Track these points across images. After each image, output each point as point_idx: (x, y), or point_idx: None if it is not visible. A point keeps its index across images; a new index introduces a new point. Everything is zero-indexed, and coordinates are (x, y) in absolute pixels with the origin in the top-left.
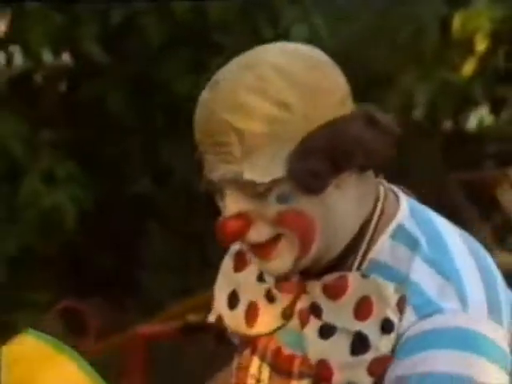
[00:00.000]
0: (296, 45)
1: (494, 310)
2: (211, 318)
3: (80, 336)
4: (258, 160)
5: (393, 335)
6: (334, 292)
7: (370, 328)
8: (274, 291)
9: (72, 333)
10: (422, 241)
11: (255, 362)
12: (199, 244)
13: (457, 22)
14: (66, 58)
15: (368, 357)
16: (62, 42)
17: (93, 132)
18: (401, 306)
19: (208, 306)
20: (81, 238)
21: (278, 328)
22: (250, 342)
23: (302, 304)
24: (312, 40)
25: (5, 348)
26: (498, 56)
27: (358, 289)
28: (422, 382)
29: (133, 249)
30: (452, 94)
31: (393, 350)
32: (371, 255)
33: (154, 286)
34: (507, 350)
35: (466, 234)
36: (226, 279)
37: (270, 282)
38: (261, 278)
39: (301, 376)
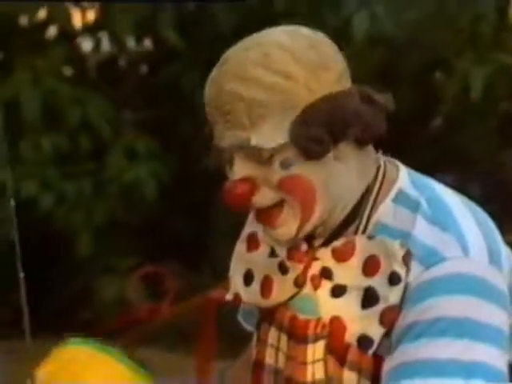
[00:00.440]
0: (298, 27)
1: (493, 257)
2: (228, 297)
3: (159, 298)
4: (264, 127)
5: (400, 286)
6: (343, 255)
7: (378, 282)
8: (287, 263)
9: (152, 295)
10: (422, 202)
11: (273, 332)
12: None
13: None
14: (147, 43)
15: (378, 308)
16: (143, 30)
17: (170, 111)
18: (406, 259)
19: None
20: (160, 209)
21: (292, 296)
22: (268, 315)
23: (313, 270)
24: (373, 27)
25: (53, 356)
26: None
27: (365, 249)
28: (430, 327)
29: (207, 217)
30: (508, 76)
31: (401, 301)
32: (375, 218)
33: (226, 252)
34: (507, 292)
35: (464, 198)
36: (239, 261)
37: (281, 255)
38: (272, 254)
39: (316, 339)
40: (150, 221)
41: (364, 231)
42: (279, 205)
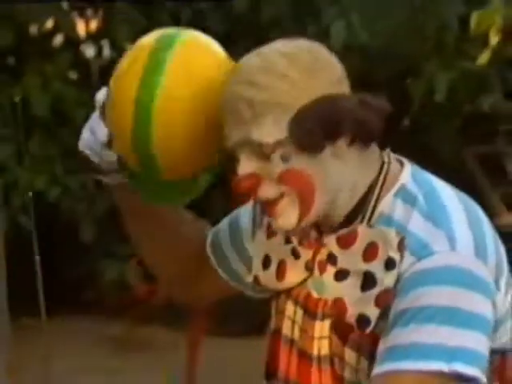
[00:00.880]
0: (301, 39)
1: (479, 251)
2: (248, 279)
3: (155, 280)
4: (264, 124)
5: (395, 271)
6: (346, 242)
7: (376, 267)
8: (298, 249)
9: (149, 278)
10: (420, 198)
11: (290, 306)
12: None
13: (474, 19)
14: None
15: (375, 291)
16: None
17: None
18: (401, 246)
19: None
20: None
21: (304, 280)
22: (286, 290)
23: (320, 256)
24: (349, 35)
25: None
26: (508, 48)
27: (366, 237)
28: (419, 314)
29: (198, 208)
30: (469, 81)
31: (395, 286)
32: (378, 211)
33: None
34: (492, 283)
35: (459, 192)
36: (259, 247)
37: (295, 242)
38: (288, 241)
39: (323, 317)
40: None
41: (368, 222)
42: (280, 197)
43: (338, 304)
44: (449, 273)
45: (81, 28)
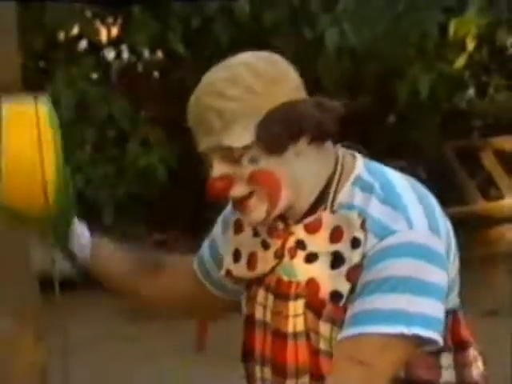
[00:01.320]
0: (263, 52)
1: (433, 227)
2: (222, 273)
3: None
4: (233, 130)
5: (360, 249)
6: (313, 228)
7: (343, 247)
8: (268, 240)
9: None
10: (376, 185)
11: (261, 292)
12: None
13: (452, 27)
14: (159, 53)
15: (345, 268)
16: (156, 43)
17: (177, 108)
18: (363, 226)
19: None
20: (167, 187)
21: (273, 267)
22: (256, 280)
23: (289, 244)
24: (341, 40)
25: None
26: (483, 53)
27: (330, 222)
28: (382, 284)
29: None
30: (448, 82)
31: (362, 263)
32: (338, 200)
33: None
34: (445, 255)
35: (411, 179)
36: (228, 243)
37: (263, 234)
38: (256, 234)
39: (296, 297)
40: (160, 196)
41: (331, 209)
42: (249, 196)
43: (311, 284)
44: (408, 248)
45: (103, 34)
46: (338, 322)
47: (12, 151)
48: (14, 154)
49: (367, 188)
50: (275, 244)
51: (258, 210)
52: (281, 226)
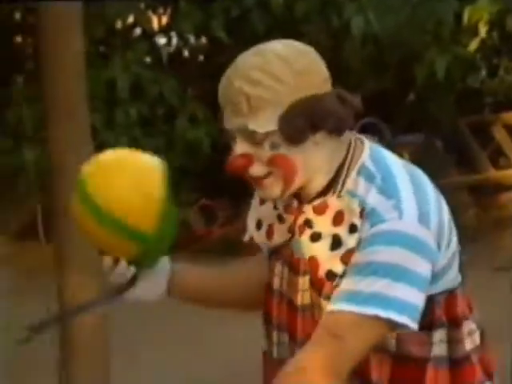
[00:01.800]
0: (294, 41)
1: (423, 218)
2: (246, 238)
3: (212, 224)
4: (259, 117)
5: (357, 235)
6: (319, 210)
7: (342, 231)
8: (283, 215)
9: (207, 222)
10: (378, 176)
11: (278, 265)
12: None
13: (466, 14)
14: (203, 40)
15: (341, 251)
16: (201, 30)
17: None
18: (362, 214)
19: None
20: (213, 159)
21: (288, 240)
22: (275, 252)
23: (299, 221)
24: (366, 27)
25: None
26: (494, 38)
27: (335, 206)
28: (366, 268)
29: None
30: (462, 64)
31: (355, 248)
32: (346, 186)
33: None
34: (433, 246)
35: (413, 168)
36: (253, 212)
37: (280, 208)
38: (275, 207)
39: (304, 273)
40: (206, 167)
41: (338, 195)
42: (267, 175)
43: (312, 261)
44: (394, 236)
45: (154, 23)
46: None
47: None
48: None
49: (370, 177)
50: (289, 219)
51: (273, 189)
52: (295, 203)
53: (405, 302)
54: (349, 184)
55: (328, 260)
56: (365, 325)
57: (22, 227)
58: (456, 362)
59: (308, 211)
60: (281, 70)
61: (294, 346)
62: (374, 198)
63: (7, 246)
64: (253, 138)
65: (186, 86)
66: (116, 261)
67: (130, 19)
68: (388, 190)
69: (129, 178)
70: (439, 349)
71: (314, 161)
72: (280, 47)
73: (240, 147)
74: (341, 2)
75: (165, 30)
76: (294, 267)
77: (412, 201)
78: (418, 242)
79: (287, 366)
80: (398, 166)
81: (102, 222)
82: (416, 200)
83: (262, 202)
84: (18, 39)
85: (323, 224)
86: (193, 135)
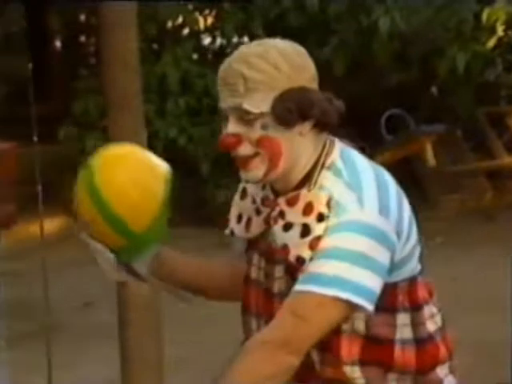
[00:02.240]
0: (292, 42)
1: (383, 210)
2: (227, 232)
3: None
4: (254, 97)
5: (324, 223)
6: (292, 202)
7: (311, 220)
8: (260, 207)
9: None
10: (344, 172)
11: (256, 256)
12: None
13: (485, 14)
14: (244, 38)
15: (309, 238)
16: (242, 30)
17: None
18: (329, 204)
19: None
20: None
21: (264, 231)
22: (253, 244)
23: (274, 213)
24: (392, 26)
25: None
26: (510, 36)
27: (305, 198)
28: (328, 252)
29: None
30: (480, 59)
31: (322, 235)
32: (318, 182)
33: None
34: (392, 236)
35: (379, 169)
36: (235, 207)
37: (258, 202)
38: (253, 201)
39: (279, 262)
40: None
41: (308, 189)
42: (254, 156)
43: (284, 249)
44: (356, 225)
45: (200, 23)
46: None
47: (141, 178)
48: (142, 181)
49: (338, 173)
50: (265, 211)
51: (257, 170)
52: (271, 196)
53: (363, 286)
54: (320, 180)
55: (298, 246)
56: (325, 305)
57: None
58: (420, 342)
59: (282, 203)
60: (278, 59)
61: None
62: (340, 191)
63: (71, 223)
64: (246, 117)
65: None
66: (102, 247)
67: (180, 20)
68: (353, 184)
69: (132, 177)
70: (404, 331)
71: (297, 150)
72: (280, 43)
73: (232, 126)
74: (369, 4)
75: (210, 30)
76: (270, 257)
77: (374, 195)
78: (378, 231)
79: (251, 341)
80: (365, 166)
81: (100, 211)
82: (378, 195)
83: (243, 197)
84: (83, 38)
85: (294, 214)
86: None
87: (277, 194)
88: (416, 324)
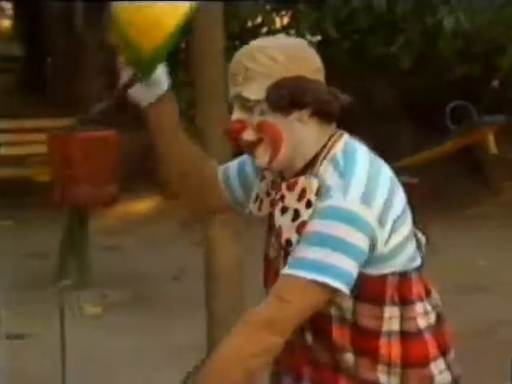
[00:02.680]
0: (296, 38)
1: (365, 200)
2: (246, 211)
3: None
4: (252, 86)
5: (311, 210)
6: (291, 187)
7: (301, 205)
8: (270, 190)
9: None
10: (341, 162)
11: (270, 236)
12: None
13: None
14: (317, 37)
15: (297, 222)
16: (315, 28)
17: (329, 77)
18: (318, 192)
19: None
20: None
21: (270, 213)
22: (269, 225)
23: (277, 196)
24: (456, 25)
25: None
26: None
27: (302, 184)
28: (310, 237)
29: None
30: None
31: (307, 220)
32: (319, 171)
33: None
34: (372, 224)
35: (378, 161)
36: (255, 188)
37: (269, 185)
38: (267, 184)
39: (282, 243)
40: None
41: (306, 176)
42: (258, 142)
43: (279, 231)
44: (336, 211)
45: (277, 23)
46: None
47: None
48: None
49: (335, 164)
50: (272, 194)
51: (263, 157)
52: (278, 180)
53: (340, 270)
54: (320, 169)
55: (288, 230)
56: (305, 288)
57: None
58: (407, 336)
59: (283, 188)
60: (276, 52)
61: None
62: (331, 180)
63: (163, 203)
64: (246, 105)
65: None
66: (124, 62)
67: (259, 19)
68: (345, 174)
69: (151, 9)
70: (391, 323)
71: (297, 136)
72: (282, 38)
73: (236, 114)
74: (434, 4)
75: (286, 29)
76: (277, 238)
77: (360, 184)
78: (357, 218)
79: (239, 321)
80: (363, 158)
81: (118, 30)
82: (365, 184)
83: (262, 179)
84: None
85: (291, 199)
86: None
87: (283, 178)
88: (405, 318)
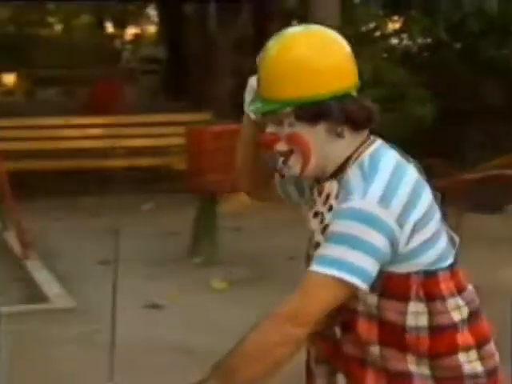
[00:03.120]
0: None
1: (384, 202)
2: (292, 203)
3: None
4: None
5: (331, 213)
6: (320, 192)
7: (325, 209)
8: (309, 195)
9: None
10: (366, 164)
11: (310, 238)
12: None
13: None
14: (428, 40)
15: (322, 225)
16: (427, 32)
17: (441, 77)
18: (338, 196)
19: None
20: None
21: (307, 215)
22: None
23: (311, 200)
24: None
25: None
26: None
27: (328, 189)
28: (331, 236)
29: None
30: None
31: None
32: (345, 176)
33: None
34: (390, 224)
35: (404, 165)
36: (305, 184)
37: (308, 189)
38: (308, 188)
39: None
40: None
41: (331, 181)
42: (290, 153)
43: (313, 233)
44: (355, 212)
45: (390, 27)
46: None
47: None
48: None
49: (361, 168)
50: (310, 199)
51: (295, 167)
52: (314, 185)
53: (357, 266)
54: (348, 172)
55: (318, 233)
56: (325, 283)
57: None
58: (437, 330)
59: (315, 193)
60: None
61: None
62: (354, 181)
63: None
64: (275, 117)
65: (413, 75)
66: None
67: (373, 24)
68: (367, 177)
69: None
70: (418, 318)
71: (327, 145)
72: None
73: (269, 127)
74: None
75: (398, 33)
76: (312, 238)
77: (381, 187)
78: (375, 219)
79: (267, 314)
80: (388, 162)
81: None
82: (385, 187)
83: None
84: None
85: (319, 203)
86: (420, 112)
87: (318, 182)
88: (434, 313)
